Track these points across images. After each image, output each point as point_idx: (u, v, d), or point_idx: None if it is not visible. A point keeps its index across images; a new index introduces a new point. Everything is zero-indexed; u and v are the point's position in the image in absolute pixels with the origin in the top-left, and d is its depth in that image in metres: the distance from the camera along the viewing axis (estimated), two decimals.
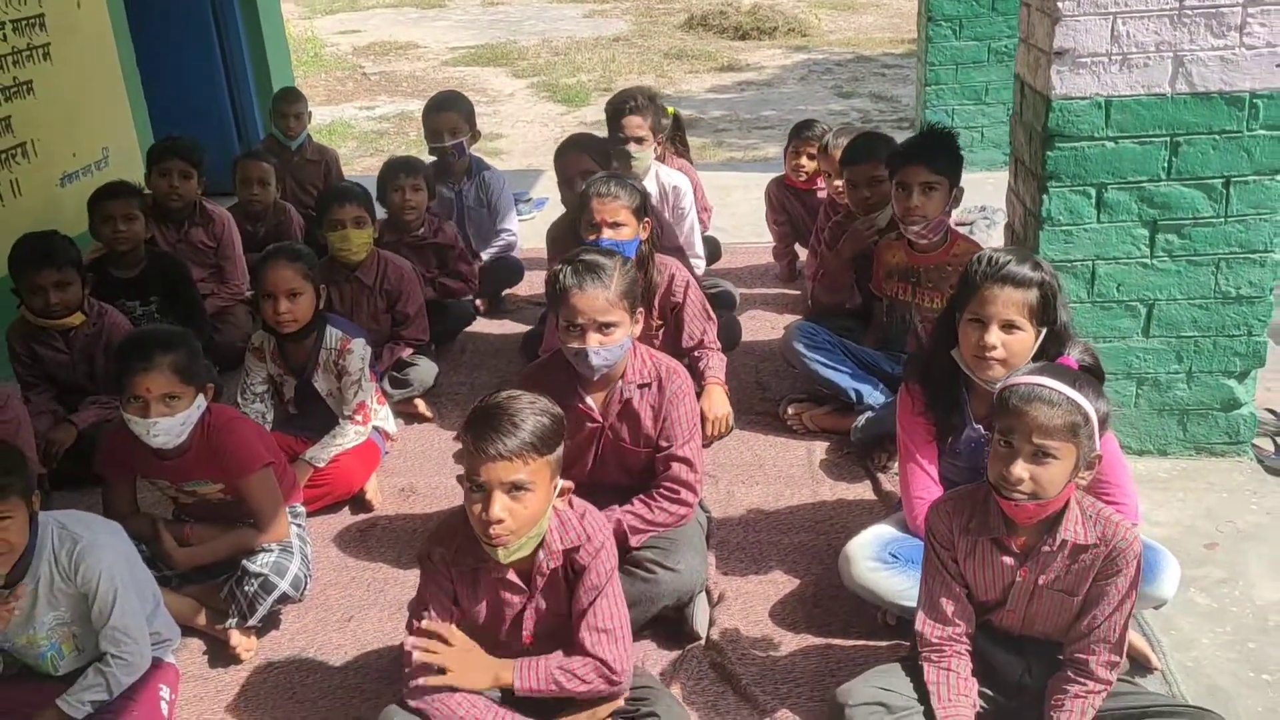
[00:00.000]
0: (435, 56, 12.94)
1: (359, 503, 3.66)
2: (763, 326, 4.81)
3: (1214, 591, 2.94)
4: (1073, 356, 2.60)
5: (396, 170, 4.67)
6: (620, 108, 4.63)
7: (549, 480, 2.30)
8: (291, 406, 3.81)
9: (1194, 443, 3.53)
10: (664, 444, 2.98)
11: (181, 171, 4.77)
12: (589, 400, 2.97)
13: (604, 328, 2.81)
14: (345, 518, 3.61)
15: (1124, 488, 2.67)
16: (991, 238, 5.45)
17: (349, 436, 3.66)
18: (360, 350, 3.70)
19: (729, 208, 6.32)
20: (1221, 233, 3.31)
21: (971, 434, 2.80)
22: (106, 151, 5.59)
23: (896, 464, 3.50)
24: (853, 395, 3.79)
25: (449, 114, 5.10)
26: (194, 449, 3.04)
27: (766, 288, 5.29)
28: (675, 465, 2.97)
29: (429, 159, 5.24)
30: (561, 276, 2.81)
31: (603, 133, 4.69)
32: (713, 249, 5.36)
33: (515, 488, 2.22)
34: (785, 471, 3.70)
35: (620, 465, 3.05)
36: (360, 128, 9.92)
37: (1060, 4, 3.17)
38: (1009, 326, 2.61)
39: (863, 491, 3.55)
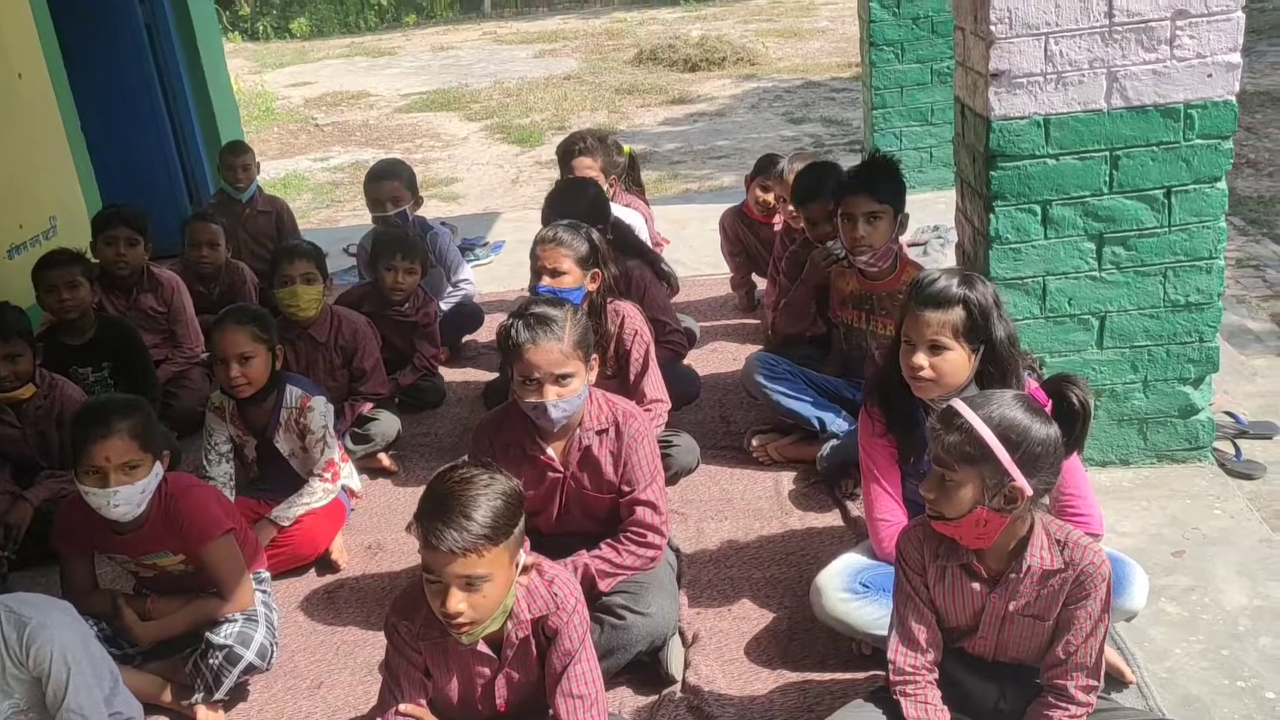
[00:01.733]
0: (388, 104, 12.97)
1: (325, 563, 3.61)
2: (724, 358, 4.81)
3: (1183, 600, 2.94)
4: (1027, 377, 2.65)
5: (394, 250, 4.59)
6: (570, 150, 4.64)
7: (509, 563, 2.24)
8: (254, 468, 3.76)
9: (1155, 451, 3.55)
10: (626, 488, 2.96)
11: (128, 239, 4.72)
12: (549, 450, 2.95)
13: (560, 379, 2.78)
14: (311, 580, 3.56)
15: (1087, 498, 2.70)
16: (946, 256, 5.49)
17: (317, 495, 3.61)
18: (321, 408, 3.66)
19: (685, 240, 6.34)
20: (1166, 242, 3.35)
21: None
22: (54, 221, 5.54)
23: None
24: (816, 424, 3.79)
25: (389, 183, 5.06)
26: (151, 520, 2.99)
27: (726, 319, 5.29)
28: (639, 509, 2.95)
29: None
30: (513, 332, 2.78)
31: (558, 170, 4.67)
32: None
33: (472, 581, 2.16)
34: (753, 504, 3.68)
35: (585, 512, 3.03)
36: (315, 179, 9.90)
37: (993, 27, 3.21)
38: (935, 348, 2.64)
39: (832, 520, 3.54)
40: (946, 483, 2.20)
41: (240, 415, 3.67)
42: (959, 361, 2.66)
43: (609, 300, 3.75)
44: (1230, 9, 3.13)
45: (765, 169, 5.03)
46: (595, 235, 3.70)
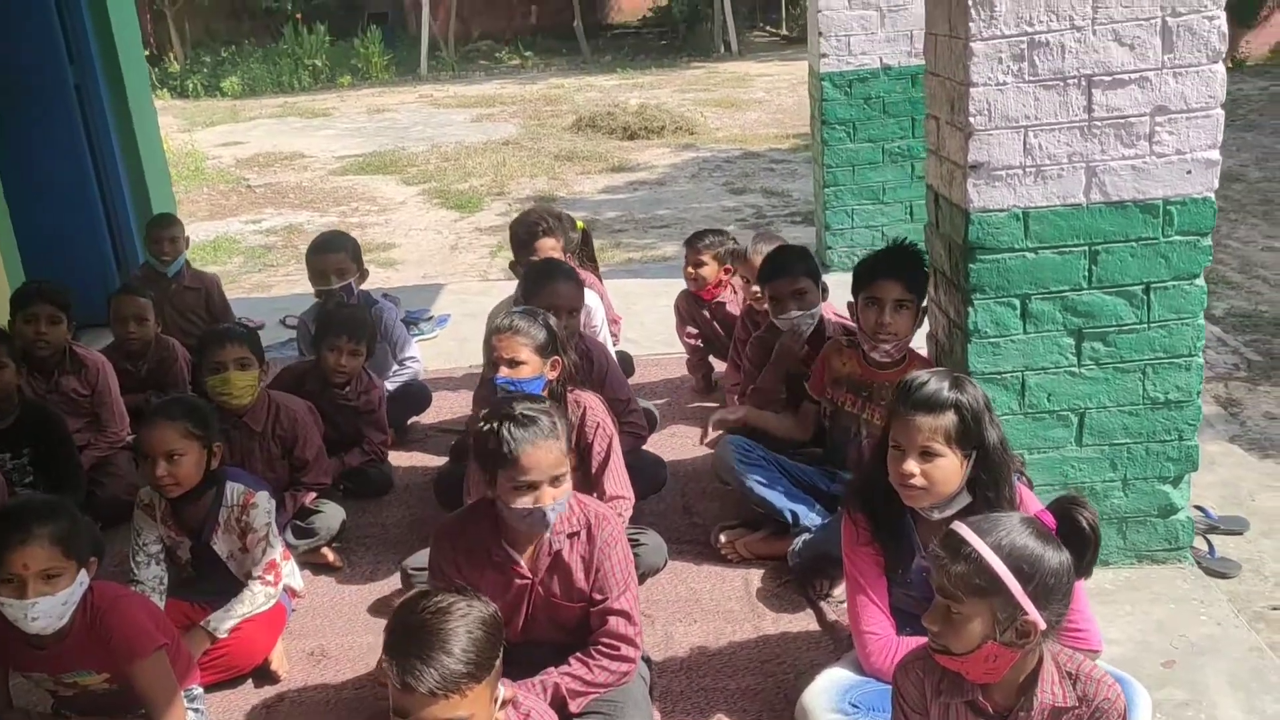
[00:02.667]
0: (322, 166, 12.73)
1: (263, 673, 3.32)
2: (684, 443, 4.64)
3: (1179, 717, 2.82)
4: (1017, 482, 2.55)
5: (340, 330, 4.33)
6: (532, 231, 4.51)
7: (489, 699, 2.05)
8: (188, 569, 3.47)
9: (1134, 551, 3.47)
10: (598, 596, 2.78)
11: (49, 316, 4.40)
12: (516, 555, 2.75)
13: (556, 480, 2.63)
14: (248, 693, 3.27)
15: (1084, 613, 2.61)
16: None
17: (259, 600, 3.33)
18: (265, 504, 3.39)
19: (636, 317, 6.19)
20: (1145, 339, 3.29)
21: (922, 562, 2.68)
22: None
23: (839, 591, 3.38)
24: (789, 517, 3.63)
25: (335, 255, 4.85)
26: (74, 634, 2.74)
27: (684, 401, 5.14)
28: (612, 619, 2.77)
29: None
30: (505, 434, 2.59)
31: (498, 237, 4.49)
32: (625, 364, 5.21)
33: None
34: (723, 605, 3.50)
35: (553, 622, 2.83)
36: (246, 243, 9.60)
37: (972, 118, 3.15)
38: (927, 454, 2.54)
39: (807, 623, 3.38)
40: (953, 615, 2.07)
41: (173, 514, 3.37)
42: (951, 468, 2.56)
43: (569, 389, 3.58)
44: (1210, 106, 3.11)
45: (689, 243, 5.08)
46: (552, 321, 3.54)
